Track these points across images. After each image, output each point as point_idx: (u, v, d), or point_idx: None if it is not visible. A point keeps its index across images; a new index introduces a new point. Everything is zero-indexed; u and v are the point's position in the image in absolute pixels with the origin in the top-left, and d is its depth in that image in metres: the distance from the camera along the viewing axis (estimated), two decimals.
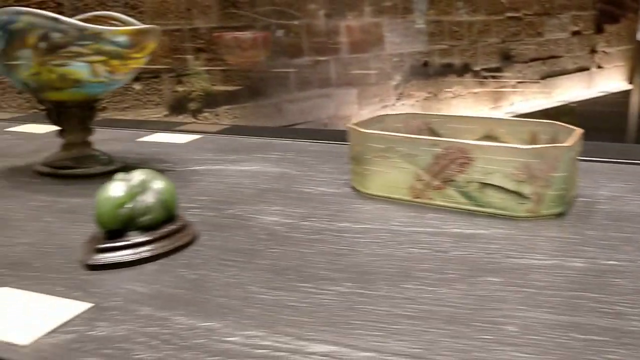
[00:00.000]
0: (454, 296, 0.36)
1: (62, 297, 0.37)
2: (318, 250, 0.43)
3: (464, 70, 4.31)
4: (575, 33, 5.05)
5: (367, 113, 3.69)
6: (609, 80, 5.19)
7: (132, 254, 0.42)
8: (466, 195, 0.50)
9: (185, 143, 0.81)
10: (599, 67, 5.43)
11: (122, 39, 0.59)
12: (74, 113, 0.65)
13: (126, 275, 0.40)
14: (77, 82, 0.61)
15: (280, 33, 2.98)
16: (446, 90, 4.15)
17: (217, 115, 2.99)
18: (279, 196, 0.57)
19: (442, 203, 0.52)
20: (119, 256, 0.42)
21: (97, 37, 0.58)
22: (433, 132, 0.63)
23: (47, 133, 0.89)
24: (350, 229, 0.48)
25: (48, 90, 0.62)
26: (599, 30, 4.96)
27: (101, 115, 2.50)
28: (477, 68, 4.37)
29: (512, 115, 4.46)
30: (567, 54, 5.04)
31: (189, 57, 2.58)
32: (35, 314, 0.35)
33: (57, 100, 0.63)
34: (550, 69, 4.93)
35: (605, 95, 4.86)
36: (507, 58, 4.60)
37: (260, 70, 3.09)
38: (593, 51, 5.28)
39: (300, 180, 0.62)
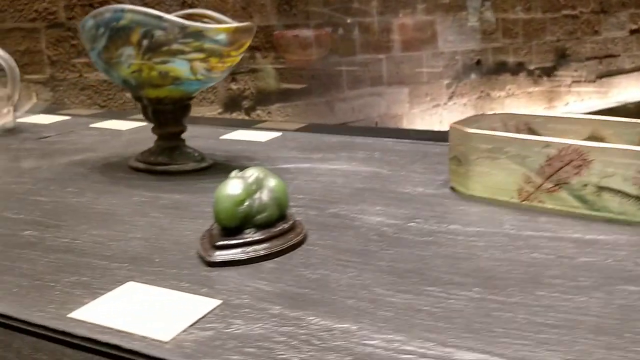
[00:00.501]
0: (594, 305, 0.34)
1: (190, 292, 0.37)
2: (434, 253, 0.42)
3: (518, 69, 4.22)
4: (633, 32, 4.88)
5: (418, 112, 3.65)
6: None
7: (250, 251, 0.42)
8: (581, 198, 0.49)
9: (267, 141, 0.81)
10: None
11: (222, 36, 0.60)
12: (170, 110, 0.66)
13: (246, 272, 0.40)
14: (176, 80, 0.61)
15: (341, 31, 2.96)
16: (500, 89, 4.07)
17: (269, 113, 3.01)
18: (378, 196, 0.56)
19: (553, 206, 0.50)
20: (236, 253, 0.42)
21: (198, 35, 0.59)
22: (533, 133, 0.61)
23: (130, 129, 0.91)
24: (461, 231, 0.46)
25: (147, 88, 0.63)
26: None
27: None
28: (532, 67, 4.27)
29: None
30: (624, 52, 4.87)
31: (257, 54, 2.59)
32: (168, 309, 0.35)
33: (155, 97, 0.64)
34: (607, 68, 4.78)
35: None
36: (563, 57, 4.47)
37: (320, 67, 3.09)
38: None
39: (394, 180, 0.61)
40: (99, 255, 0.44)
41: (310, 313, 0.34)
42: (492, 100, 4.11)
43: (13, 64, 0.89)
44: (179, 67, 0.60)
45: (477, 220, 0.49)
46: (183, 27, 0.58)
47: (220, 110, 2.75)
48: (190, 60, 0.60)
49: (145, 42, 0.59)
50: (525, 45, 4.19)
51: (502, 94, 4.17)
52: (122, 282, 0.39)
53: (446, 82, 3.78)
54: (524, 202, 0.51)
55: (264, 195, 0.43)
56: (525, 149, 0.50)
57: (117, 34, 0.59)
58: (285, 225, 0.44)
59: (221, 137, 0.83)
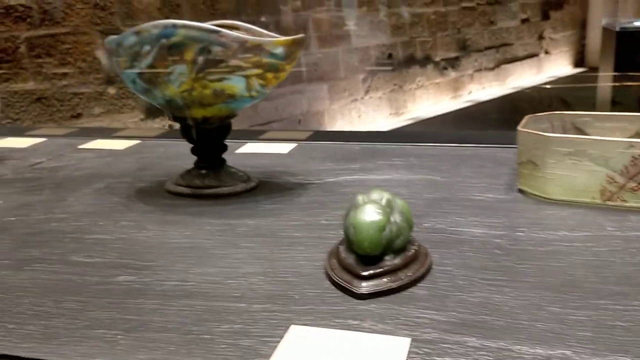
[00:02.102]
0: None
1: (364, 331, 0.35)
2: (569, 263, 0.43)
3: (425, 61, 4.38)
4: (524, 21, 5.22)
5: (337, 107, 3.70)
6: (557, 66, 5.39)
7: (396, 279, 0.40)
8: None
9: (288, 153, 0.79)
10: (547, 52, 5.63)
11: (279, 50, 0.57)
12: (215, 129, 0.62)
13: (402, 302, 0.39)
14: (230, 97, 0.58)
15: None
16: (410, 81, 4.21)
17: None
18: (456, 205, 0.56)
19: (636, 204, 0.52)
20: (385, 283, 0.40)
21: (257, 49, 0.56)
22: (581, 132, 0.63)
23: (128, 148, 0.85)
24: (572, 237, 0.47)
25: (195, 107, 0.58)
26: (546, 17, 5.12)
27: (76, 123, 2.40)
28: (437, 59, 4.45)
29: (471, 103, 4.57)
30: (517, 41, 5.20)
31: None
32: (367, 354, 0.33)
33: (201, 117, 0.60)
34: (503, 56, 5.08)
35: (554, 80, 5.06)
36: (464, 48, 4.70)
37: None
38: (541, 37, 5.47)
39: (457, 187, 0.61)
40: (229, 296, 0.40)
41: (511, 341, 0.34)
42: (405, 93, 4.24)
43: None
44: (235, 84, 0.57)
45: (577, 224, 0.50)
46: (242, 42, 0.55)
47: (142, 117, 2.64)
48: (248, 77, 0.57)
49: (200, 59, 0.55)
50: (431, 38, 4.36)
51: (413, 86, 4.32)
52: (282, 327, 0.36)
53: (362, 76, 3.86)
54: (606, 202, 0.53)
55: (397, 218, 0.42)
56: (609, 151, 0.52)
57: (167, 52, 0.55)
58: (416, 247, 0.43)
59: (237, 152, 0.80)
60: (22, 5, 2.16)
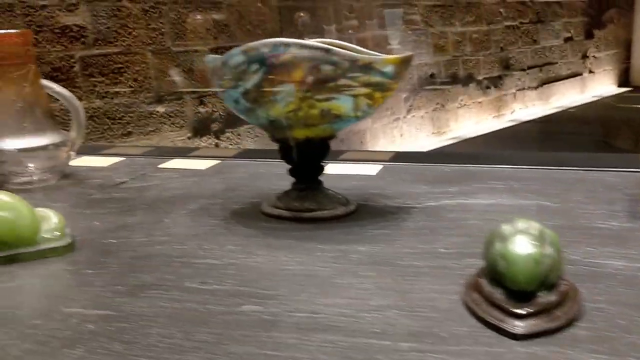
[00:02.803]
0: None
1: None
2: None
3: (468, 80, 4.33)
4: (567, 40, 5.13)
5: (380, 126, 3.67)
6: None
7: (553, 318, 0.37)
8: None
9: (377, 174, 0.76)
10: (590, 71, 5.52)
11: (389, 68, 0.54)
12: (317, 150, 0.59)
13: (563, 343, 0.35)
14: (336, 118, 0.55)
15: None
16: (452, 100, 4.16)
17: (238, 135, 2.94)
18: (582, 234, 0.52)
19: None
20: (544, 322, 0.36)
21: (368, 68, 0.53)
22: None
23: (210, 168, 0.83)
24: None
25: (299, 127, 0.56)
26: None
27: (127, 141, 2.42)
28: (480, 77, 4.39)
29: (515, 122, 4.49)
30: (560, 60, 5.11)
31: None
32: None
33: (303, 138, 0.58)
34: (546, 75, 4.99)
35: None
36: (507, 66, 4.63)
37: None
38: (584, 56, 5.36)
39: (574, 214, 0.57)
40: (369, 332, 0.37)
41: None
42: (447, 112, 4.20)
43: (77, 103, 0.80)
44: (343, 103, 0.54)
45: None
46: (353, 61, 0.53)
47: (189, 135, 2.66)
48: (356, 96, 0.54)
49: (310, 79, 0.53)
50: (473, 57, 4.32)
51: (455, 105, 4.27)
52: None
53: (404, 95, 3.83)
54: None
55: (549, 250, 0.38)
56: None
57: (276, 71, 0.53)
58: (567, 282, 0.39)
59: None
60: (77, 25, 2.21)
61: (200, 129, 2.69)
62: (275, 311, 0.40)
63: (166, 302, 0.43)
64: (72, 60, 2.20)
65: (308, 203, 0.60)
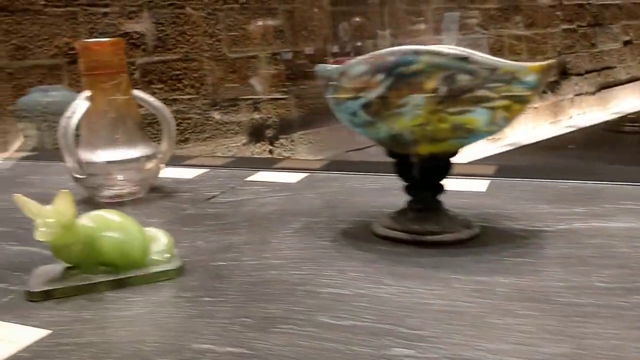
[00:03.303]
0: None
1: None
2: None
3: None
4: (626, 43, 4.92)
5: None
6: None
7: None
8: None
9: (486, 191, 0.70)
10: None
11: (531, 77, 0.49)
12: (441, 167, 0.54)
13: None
14: (468, 133, 0.50)
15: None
16: None
17: (292, 141, 2.91)
18: None
19: None
20: None
21: (509, 77, 0.48)
22: None
23: (300, 181, 0.79)
24: None
25: (424, 143, 0.51)
26: None
27: (184, 147, 2.42)
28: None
29: (573, 128, 4.33)
30: (619, 64, 4.91)
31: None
32: None
33: (428, 154, 0.53)
34: (605, 80, 4.80)
35: None
36: (564, 71, 4.47)
37: None
38: None
39: None
40: None
41: None
42: None
43: (169, 114, 0.77)
44: (478, 117, 0.49)
45: None
46: (493, 69, 0.47)
47: (244, 141, 2.65)
48: (493, 109, 0.49)
49: (443, 89, 0.48)
50: (530, 61, 4.17)
51: None
52: None
53: None
54: None
55: None
56: None
57: (404, 81, 0.48)
58: None
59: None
60: (137, 32, 2.22)
61: (255, 135, 2.68)
62: (433, 357, 0.35)
63: (302, 339, 0.38)
64: (133, 67, 2.21)
65: (429, 225, 0.55)
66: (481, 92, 0.48)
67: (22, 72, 2.03)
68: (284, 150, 2.83)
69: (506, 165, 0.81)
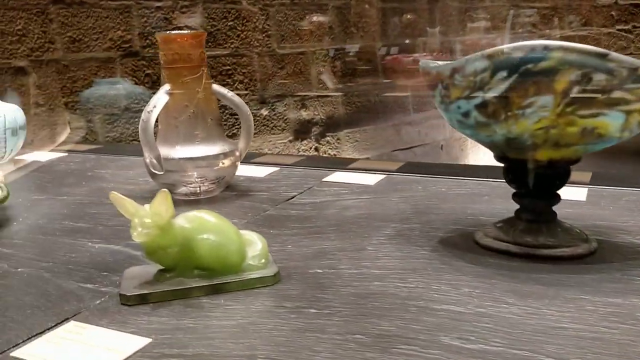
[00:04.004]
0: None
1: None
2: None
3: None
4: None
5: None
6: None
7: None
8: None
9: (586, 200, 0.65)
10: None
11: None
12: (559, 175, 0.50)
13: None
14: (599, 138, 0.46)
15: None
16: None
17: (338, 139, 2.87)
18: None
19: None
20: None
21: None
22: None
23: (378, 183, 0.76)
24: None
25: (546, 148, 0.47)
26: None
27: (233, 143, 2.41)
28: None
29: None
30: None
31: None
32: None
33: (547, 160, 0.48)
34: None
35: None
36: None
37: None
38: None
39: None
40: None
41: None
42: None
43: (248, 110, 0.74)
44: (612, 121, 0.44)
45: None
46: (634, 68, 0.43)
47: (290, 138, 2.62)
48: (629, 112, 0.44)
49: (575, 90, 0.43)
50: None
51: None
52: None
53: None
54: None
55: None
56: None
57: (531, 79, 0.44)
58: None
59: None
60: (189, 26, 2.22)
61: (302, 132, 2.66)
62: None
63: None
64: None
65: (543, 238, 0.50)
66: (618, 94, 0.43)
67: (76, 65, 2.04)
68: (330, 148, 2.79)
69: (600, 172, 0.75)
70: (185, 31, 0.71)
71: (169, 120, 0.70)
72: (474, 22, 3.09)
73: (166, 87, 0.69)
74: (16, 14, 1.87)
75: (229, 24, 2.35)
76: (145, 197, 0.73)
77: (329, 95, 2.77)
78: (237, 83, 2.37)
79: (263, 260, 0.48)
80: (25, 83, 1.96)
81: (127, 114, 2.04)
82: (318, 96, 2.73)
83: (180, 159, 0.69)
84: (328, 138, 2.80)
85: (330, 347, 0.37)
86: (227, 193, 0.74)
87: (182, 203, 0.70)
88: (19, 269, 0.52)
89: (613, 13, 4.31)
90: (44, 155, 1.02)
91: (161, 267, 0.47)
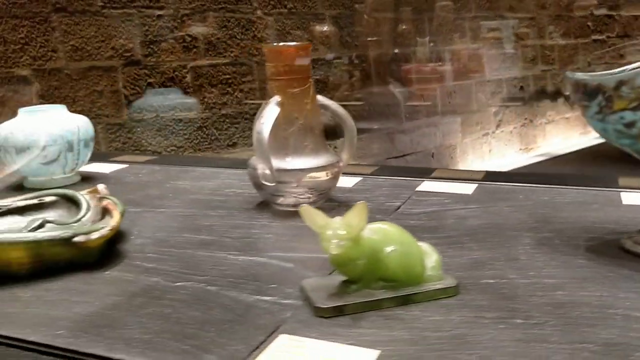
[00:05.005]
0: None
1: None
2: None
3: (556, 95, 4.18)
4: None
5: (469, 141, 3.56)
6: None
7: None
8: None
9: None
10: None
11: None
12: None
13: None
14: None
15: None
16: (541, 115, 4.02)
17: (335, 147, 2.89)
18: None
19: None
20: None
21: None
22: None
23: (476, 191, 0.77)
24: None
25: None
26: None
27: (232, 152, 2.39)
28: (568, 93, 4.23)
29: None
30: None
31: None
32: None
33: None
34: None
35: None
36: None
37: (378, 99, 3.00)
38: None
39: None
40: None
41: None
42: (535, 127, 4.05)
43: (351, 122, 0.74)
44: None
45: None
46: None
47: None
48: None
49: None
50: (561, 72, 4.16)
51: (544, 120, 4.12)
52: None
53: (493, 110, 3.72)
54: None
55: None
56: None
57: None
58: None
59: (625, 203, 0.69)
60: (189, 35, 2.21)
61: None
62: None
63: None
64: (184, 70, 2.20)
65: None
66: None
67: (79, 74, 2.01)
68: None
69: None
70: (292, 43, 0.71)
71: (278, 132, 0.70)
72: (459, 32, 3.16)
73: (276, 98, 0.69)
74: (19, 22, 1.83)
75: (228, 32, 2.34)
76: (246, 209, 0.73)
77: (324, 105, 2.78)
78: (237, 92, 2.36)
79: (440, 271, 0.48)
80: (28, 92, 1.92)
81: (175, 123, 2.04)
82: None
83: (291, 170, 0.69)
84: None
85: (566, 356, 0.38)
86: (329, 204, 0.74)
87: (289, 215, 0.70)
88: (177, 283, 0.51)
89: (589, 24, 4.45)
90: (102, 167, 1.00)
91: (343, 279, 0.47)
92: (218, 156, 2.19)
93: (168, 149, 2.09)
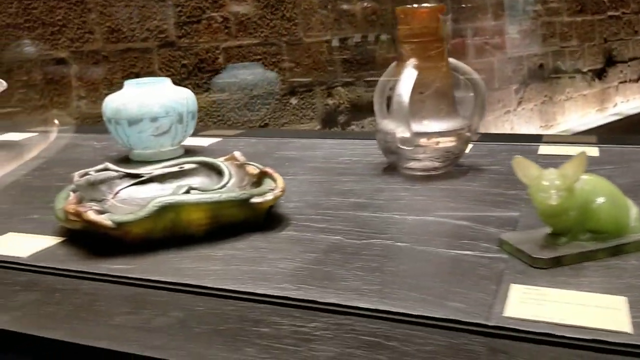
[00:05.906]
0: None
1: None
2: None
3: (574, 72, 4.16)
4: None
5: (492, 119, 3.55)
6: None
7: None
8: None
9: None
10: None
11: None
12: None
13: None
14: None
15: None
16: (560, 92, 4.01)
17: (362, 127, 2.88)
18: None
19: None
20: None
21: None
22: None
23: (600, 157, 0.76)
24: None
25: None
26: None
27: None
28: (585, 69, 4.21)
29: (620, 116, 4.29)
30: None
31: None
32: None
33: None
34: None
35: None
36: (610, 58, 4.43)
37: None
38: None
39: None
40: None
41: None
42: (554, 104, 4.04)
43: (483, 86, 0.73)
44: None
45: None
46: None
47: (318, 127, 2.62)
48: None
49: None
50: (579, 48, 4.14)
51: (562, 97, 4.11)
52: None
53: (514, 87, 3.70)
54: None
55: None
56: None
57: None
58: None
59: None
60: (221, 16, 2.19)
61: (328, 120, 2.65)
62: None
63: None
64: (217, 51, 2.19)
65: None
66: None
67: (115, 56, 2.00)
68: None
69: None
70: (426, 5, 0.70)
71: (414, 95, 0.69)
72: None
73: (412, 61, 0.69)
74: (56, 3, 1.82)
75: (258, 12, 2.33)
76: (375, 175, 0.72)
77: (353, 83, 2.77)
78: (267, 72, 2.35)
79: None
80: (66, 74, 1.91)
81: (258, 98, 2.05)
82: (344, 83, 2.72)
83: (429, 132, 0.69)
84: (353, 126, 2.80)
85: None
86: (458, 168, 0.74)
87: (423, 179, 0.69)
88: (363, 241, 0.51)
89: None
90: (197, 141, 0.99)
91: (548, 232, 0.47)
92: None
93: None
